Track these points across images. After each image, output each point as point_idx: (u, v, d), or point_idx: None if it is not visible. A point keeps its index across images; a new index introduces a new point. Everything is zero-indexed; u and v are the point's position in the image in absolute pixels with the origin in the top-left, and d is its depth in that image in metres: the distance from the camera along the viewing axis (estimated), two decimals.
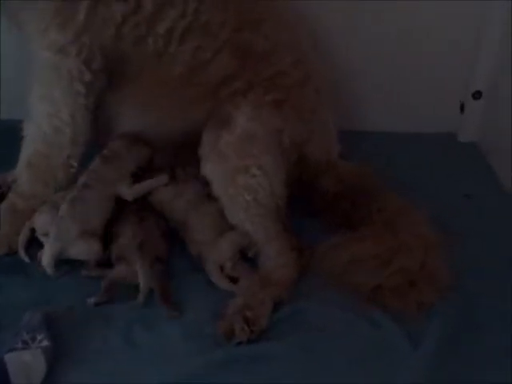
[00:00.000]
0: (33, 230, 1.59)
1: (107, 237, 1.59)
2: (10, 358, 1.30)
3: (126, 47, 1.54)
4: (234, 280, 1.55)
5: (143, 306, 1.48)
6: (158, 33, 1.52)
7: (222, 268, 1.55)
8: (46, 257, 1.52)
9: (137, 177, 1.67)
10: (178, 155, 1.70)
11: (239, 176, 1.54)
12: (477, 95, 2.07)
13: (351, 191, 1.68)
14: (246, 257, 1.60)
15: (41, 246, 1.57)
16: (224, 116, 1.57)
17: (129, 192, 1.63)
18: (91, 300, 1.47)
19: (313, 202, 1.71)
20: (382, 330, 1.45)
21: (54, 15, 1.47)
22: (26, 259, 1.57)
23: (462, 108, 2.12)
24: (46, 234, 1.57)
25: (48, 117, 1.57)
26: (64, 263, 1.54)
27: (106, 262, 1.55)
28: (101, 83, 1.57)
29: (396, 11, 1.95)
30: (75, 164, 1.63)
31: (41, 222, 1.58)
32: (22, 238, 1.58)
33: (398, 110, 2.09)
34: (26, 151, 1.63)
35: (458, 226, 1.71)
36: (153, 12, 1.50)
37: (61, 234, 1.53)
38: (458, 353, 1.41)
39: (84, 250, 1.54)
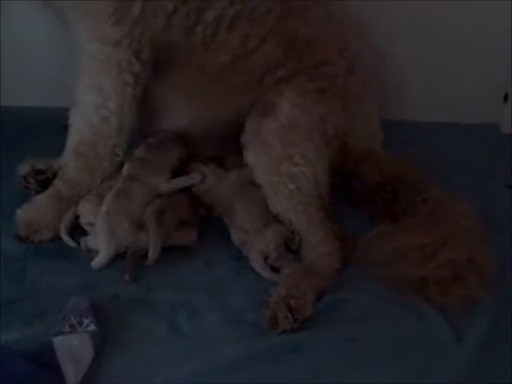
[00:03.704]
0: (77, 217, 1.61)
1: None
2: (57, 342, 1.31)
3: (175, 37, 1.55)
4: (276, 270, 1.55)
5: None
6: (206, 21, 1.54)
7: (265, 257, 1.55)
8: (103, 257, 1.52)
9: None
10: (221, 145, 1.70)
11: (282, 164, 1.54)
12: None
13: (393, 181, 1.67)
14: (289, 248, 1.59)
15: (84, 232, 1.59)
16: (267, 104, 1.57)
17: (164, 188, 1.64)
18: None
19: (354, 191, 1.70)
20: (425, 323, 1.44)
21: (111, 12, 1.48)
22: (71, 243, 1.58)
23: (505, 98, 2.09)
24: (89, 224, 1.59)
25: (96, 107, 1.59)
26: None
27: None
28: (147, 74, 1.58)
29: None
30: (121, 153, 1.64)
31: (86, 210, 1.60)
32: (65, 223, 1.60)
33: (440, 99, 2.07)
34: (73, 140, 1.64)
35: (498, 218, 1.69)
36: (202, 0, 1.51)
37: (114, 232, 1.53)
38: (501, 351, 1.39)
39: (134, 241, 1.55)
